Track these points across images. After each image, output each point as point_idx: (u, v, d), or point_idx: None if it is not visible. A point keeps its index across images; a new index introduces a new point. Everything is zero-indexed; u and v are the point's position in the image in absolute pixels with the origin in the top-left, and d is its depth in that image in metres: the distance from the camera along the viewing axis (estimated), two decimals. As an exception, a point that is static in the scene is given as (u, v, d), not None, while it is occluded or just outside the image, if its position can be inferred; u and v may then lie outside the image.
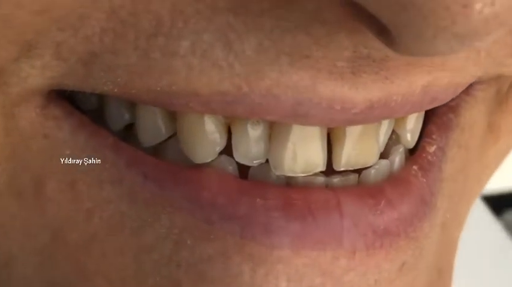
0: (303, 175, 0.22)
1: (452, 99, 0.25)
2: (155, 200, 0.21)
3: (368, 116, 0.21)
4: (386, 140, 0.24)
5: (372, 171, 0.23)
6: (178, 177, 0.21)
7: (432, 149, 0.25)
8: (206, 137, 0.22)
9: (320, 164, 0.22)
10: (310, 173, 0.22)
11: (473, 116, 0.26)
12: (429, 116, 0.25)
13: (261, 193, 0.21)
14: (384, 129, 0.23)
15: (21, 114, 0.21)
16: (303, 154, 0.22)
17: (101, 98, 0.23)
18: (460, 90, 0.24)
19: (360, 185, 0.23)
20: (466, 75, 0.23)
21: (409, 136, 0.24)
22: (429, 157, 0.24)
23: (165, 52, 0.20)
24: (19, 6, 0.19)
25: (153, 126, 0.22)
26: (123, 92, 0.20)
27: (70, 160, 0.21)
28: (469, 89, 0.25)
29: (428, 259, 0.25)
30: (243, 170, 0.22)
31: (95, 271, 0.22)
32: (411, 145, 0.24)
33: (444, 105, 0.25)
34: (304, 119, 0.21)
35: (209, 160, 0.22)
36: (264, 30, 0.19)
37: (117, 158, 0.21)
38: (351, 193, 0.22)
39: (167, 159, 0.22)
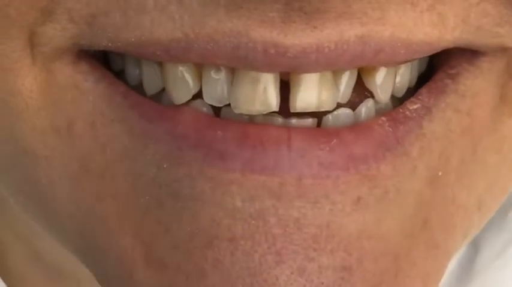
0: (258, 113, 0.26)
1: (453, 68, 0.28)
2: (145, 134, 0.27)
3: (306, 61, 0.25)
4: (349, 91, 0.27)
5: (330, 117, 0.27)
6: (162, 115, 0.27)
7: (414, 106, 0.28)
8: (181, 82, 0.27)
9: (273, 105, 0.26)
10: (265, 112, 0.26)
11: (478, 85, 0.28)
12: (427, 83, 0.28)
13: (222, 127, 0.26)
14: (345, 81, 0.27)
15: (58, 69, 0.28)
16: (258, 95, 0.26)
17: (124, 60, 0.29)
18: (420, 49, 0.27)
19: (317, 128, 0.27)
20: (418, 33, 0.26)
21: (379, 92, 0.27)
22: (407, 112, 0.27)
23: (137, 10, 0.25)
24: None
25: (151, 78, 0.28)
26: (114, 46, 0.26)
27: (93, 105, 0.28)
28: (472, 59, 0.28)
29: (403, 205, 0.27)
30: (219, 112, 0.27)
31: (106, 193, 0.28)
32: (383, 100, 0.28)
33: (443, 72, 0.28)
34: (248, 63, 0.25)
35: (184, 101, 0.27)
36: None
37: (124, 101, 0.27)
38: (304, 132, 0.26)
39: (162, 103, 0.28)
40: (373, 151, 0.26)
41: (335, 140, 0.26)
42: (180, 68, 0.27)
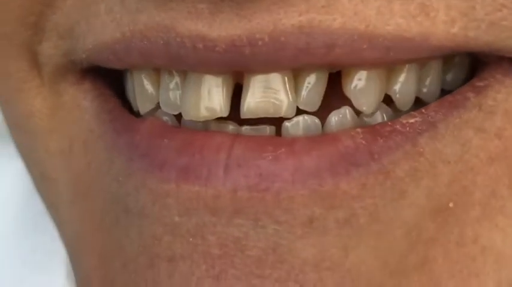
0: (205, 119, 0.23)
1: (483, 79, 0.23)
2: (113, 147, 0.25)
3: (241, 57, 0.22)
4: (314, 97, 0.23)
5: (288, 124, 0.23)
6: (128, 126, 0.25)
7: (410, 120, 0.23)
8: (142, 91, 0.25)
9: (218, 110, 0.23)
10: (213, 118, 0.23)
11: None
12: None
13: (170, 135, 0.24)
14: (310, 84, 0.23)
15: (64, 90, 0.27)
16: (203, 100, 0.23)
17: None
18: (396, 46, 0.22)
19: (275, 136, 0.23)
20: (383, 25, 0.22)
21: (358, 100, 0.23)
22: (397, 126, 0.23)
23: (94, 16, 0.25)
24: None
25: (132, 92, 0.26)
26: (86, 56, 0.25)
27: (87, 123, 0.27)
28: (509, 70, 0.23)
29: (385, 235, 0.22)
30: None
31: (87, 215, 0.26)
32: (366, 111, 0.23)
33: (468, 84, 0.23)
34: (182, 61, 0.23)
35: (147, 110, 0.25)
36: None
37: (108, 117, 0.26)
38: (251, 139, 0.23)
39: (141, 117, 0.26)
40: (330, 164, 0.22)
41: (283, 149, 0.22)
42: (142, 75, 0.25)
